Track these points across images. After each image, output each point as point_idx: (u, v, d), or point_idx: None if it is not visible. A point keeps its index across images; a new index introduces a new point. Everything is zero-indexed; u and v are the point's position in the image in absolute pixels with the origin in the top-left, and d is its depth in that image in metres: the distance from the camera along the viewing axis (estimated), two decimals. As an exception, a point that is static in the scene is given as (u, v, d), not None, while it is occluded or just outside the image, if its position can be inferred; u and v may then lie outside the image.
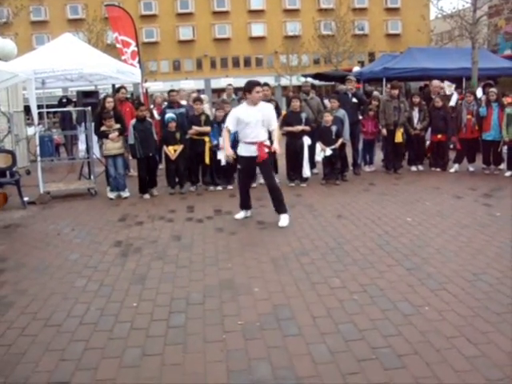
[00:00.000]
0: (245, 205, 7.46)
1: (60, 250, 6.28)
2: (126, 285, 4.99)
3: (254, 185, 9.70)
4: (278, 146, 7.12)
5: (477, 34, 15.57)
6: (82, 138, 12.23)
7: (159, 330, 4.01)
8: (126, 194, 9.35)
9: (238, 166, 7.38)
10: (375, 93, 14.23)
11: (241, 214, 7.45)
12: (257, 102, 6.98)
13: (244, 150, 7.09)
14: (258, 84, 7.02)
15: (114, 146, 9.24)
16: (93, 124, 9.62)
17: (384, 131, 10.71)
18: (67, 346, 3.78)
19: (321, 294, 4.57)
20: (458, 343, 3.66)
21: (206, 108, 11.35)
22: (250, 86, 6.92)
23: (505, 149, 10.38)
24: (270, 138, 7.21)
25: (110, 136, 9.16)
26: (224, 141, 7.31)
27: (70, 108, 14.74)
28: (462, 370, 3.31)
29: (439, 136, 10.89)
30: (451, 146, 11.46)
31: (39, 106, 11.02)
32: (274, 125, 7.20)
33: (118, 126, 9.31)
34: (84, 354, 3.68)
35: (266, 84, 10.22)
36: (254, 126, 6.95)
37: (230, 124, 7.07)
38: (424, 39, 35.77)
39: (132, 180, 10.23)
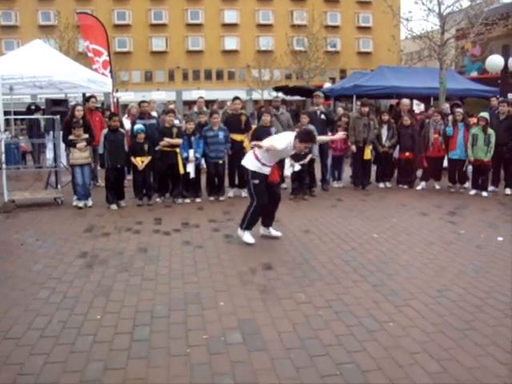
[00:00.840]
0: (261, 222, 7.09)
1: (23, 260, 6.15)
2: (90, 297, 4.91)
3: (221, 198, 9.72)
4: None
5: (444, 56, 15.92)
6: (49, 146, 12.08)
7: (123, 343, 3.96)
8: (89, 202, 9.30)
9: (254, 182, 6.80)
10: (339, 109, 14.37)
11: (250, 238, 6.80)
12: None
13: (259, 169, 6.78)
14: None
15: (81, 155, 9.16)
16: (61, 133, 9.50)
17: (353, 148, 10.84)
18: (26, 360, 3.69)
19: (286, 309, 4.57)
20: (421, 359, 3.70)
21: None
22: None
23: (470, 168, 10.61)
24: None
25: (78, 145, 9.08)
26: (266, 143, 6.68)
27: (38, 115, 14.54)
28: (424, 387, 3.35)
29: (407, 154, 11.07)
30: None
31: (6, 113, 10.84)
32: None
33: (86, 135, 9.23)
34: (44, 367, 3.60)
35: (236, 98, 10.29)
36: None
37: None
38: (394, 58, 36.34)
39: (100, 190, 10.11)
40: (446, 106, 13.43)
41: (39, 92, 14.13)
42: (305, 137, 6.63)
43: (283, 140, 6.65)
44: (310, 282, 5.31)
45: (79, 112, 9.31)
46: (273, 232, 7.10)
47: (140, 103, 10.89)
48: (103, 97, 17.77)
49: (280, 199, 7.15)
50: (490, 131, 10.03)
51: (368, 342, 3.96)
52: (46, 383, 3.40)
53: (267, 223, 7.11)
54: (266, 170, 6.77)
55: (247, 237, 6.78)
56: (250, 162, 6.83)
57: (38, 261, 6.09)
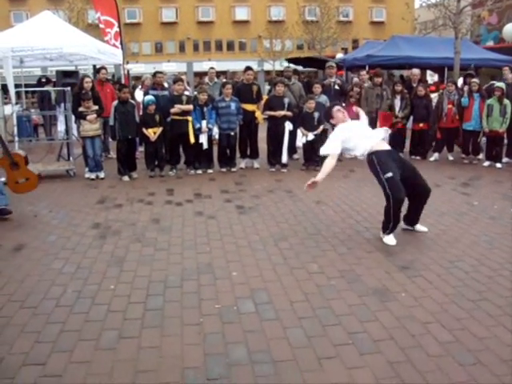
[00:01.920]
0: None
1: (37, 231, 6.20)
2: (104, 267, 4.95)
3: (233, 169, 9.71)
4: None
5: (460, 25, 15.63)
6: (61, 118, 12.09)
7: (136, 312, 4.00)
8: (101, 174, 9.33)
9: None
10: (355, 79, 14.17)
11: (392, 240, 5.62)
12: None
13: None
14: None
15: (91, 127, 9.15)
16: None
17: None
18: (43, 329, 3.75)
19: (299, 279, 4.59)
20: (433, 329, 3.70)
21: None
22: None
23: (484, 139, 10.48)
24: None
25: (88, 118, 9.07)
26: (324, 171, 5.87)
27: (49, 88, 14.52)
28: (436, 355, 3.36)
29: (421, 125, 10.95)
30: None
31: (17, 85, 10.85)
32: None
33: (96, 107, 9.22)
34: (60, 336, 3.65)
35: (249, 68, 10.19)
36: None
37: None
38: (408, 28, 35.78)
39: (111, 162, 10.13)
40: (460, 80, 13.23)
41: (49, 64, 14.12)
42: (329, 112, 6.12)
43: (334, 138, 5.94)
44: (322, 252, 5.31)
45: (88, 84, 9.28)
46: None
47: (155, 74, 10.81)
48: (113, 69, 17.69)
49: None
50: (506, 101, 9.86)
51: (380, 311, 3.97)
52: (63, 350, 3.45)
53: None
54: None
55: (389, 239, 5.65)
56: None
57: (52, 232, 6.14)
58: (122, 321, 3.86)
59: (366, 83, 11.87)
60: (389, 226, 5.60)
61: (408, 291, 4.34)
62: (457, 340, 3.55)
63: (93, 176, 9.22)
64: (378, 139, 5.75)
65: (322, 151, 5.94)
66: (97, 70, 12.03)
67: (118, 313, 3.99)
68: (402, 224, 5.96)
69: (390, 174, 5.46)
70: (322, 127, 9.76)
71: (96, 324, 3.81)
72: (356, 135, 5.76)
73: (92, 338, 3.62)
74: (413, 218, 5.99)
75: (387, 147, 5.76)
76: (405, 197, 5.56)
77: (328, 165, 5.78)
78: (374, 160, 5.61)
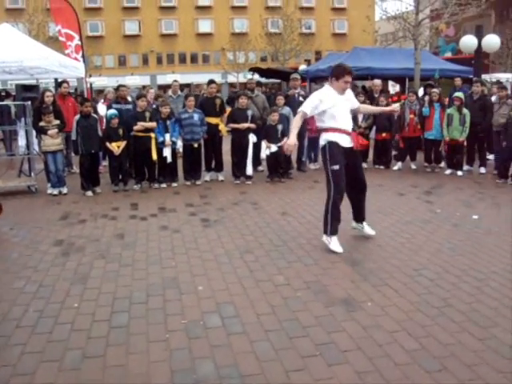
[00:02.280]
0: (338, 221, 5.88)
1: (-3, 249, 6.04)
2: (67, 285, 4.85)
3: (198, 182, 9.67)
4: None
5: (419, 36, 15.97)
6: (21, 133, 11.82)
7: (101, 330, 3.92)
8: (64, 190, 9.18)
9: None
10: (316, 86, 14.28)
11: (337, 246, 5.74)
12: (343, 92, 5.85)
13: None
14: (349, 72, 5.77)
15: (52, 142, 9.02)
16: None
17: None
18: (2, 351, 3.63)
19: (265, 292, 4.57)
20: (400, 337, 3.73)
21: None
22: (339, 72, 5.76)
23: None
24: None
25: (49, 132, 8.95)
26: (293, 126, 5.87)
27: (8, 102, 14.22)
28: (403, 363, 3.38)
29: (383, 134, 11.12)
30: (394, 145, 11.74)
31: (-25, 100, 10.59)
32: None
33: (57, 121, 9.10)
34: (21, 358, 3.54)
35: (212, 81, 10.20)
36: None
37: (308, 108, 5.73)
38: (369, 39, 36.44)
39: (74, 177, 9.97)
40: (420, 90, 13.50)
41: (9, 78, 13.80)
42: (337, 70, 5.79)
43: (312, 97, 5.84)
44: (288, 263, 5.32)
45: (49, 98, 9.19)
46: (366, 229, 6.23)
47: (118, 87, 10.71)
48: (76, 82, 17.48)
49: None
50: (465, 111, 10.10)
51: (347, 322, 3.98)
52: (24, 373, 3.35)
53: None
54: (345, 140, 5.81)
55: (334, 244, 5.75)
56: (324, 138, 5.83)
57: (13, 250, 5.99)
58: (87, 340, 3.78)
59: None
60: (327, 221, 5.75)
61: (374, 300, 4.37)
62: (423, 347, 3.59)
63: (55, 192, 9.05)
64: (346, 126, 5.82)
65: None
66: (58, 84, 11.86)
67: (81, 332, 3.90)
68: (352, 224, 6.23)
69: (336, 167, 5.66)
70: (285, 139, 9.79)
71: (59, 344, 3.72)
72: (340, 108, 5.77)
73: (55, 358, 3.52)
74: (357, 214, 6.23)
75: (342, 139, 5.79)
76: (344, 190, 5.82)
77: (295, 121, 5.89)
78: (327, 149, 5.76)
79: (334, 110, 5.72)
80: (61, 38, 14.61)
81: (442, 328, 3.86)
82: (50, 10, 16.83)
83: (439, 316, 4.06)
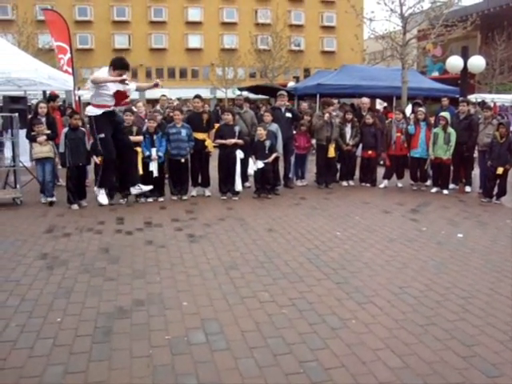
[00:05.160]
0: None
1: (-20, 262, 5.97)
2: (50, 299, 4.80)
3: (184, 197, 9.64)
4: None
5: (406, 56, 16.19)
6: (7, 144, 11.75)
7: (84, 345, 3.88)
8: (52, 199, 9.21)
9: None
10: (304, 104, 14.28)
11: (104, 199, 7.93)
12: None
13: None
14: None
15: (41, 149, 9.15)
16: (20, 131, 9.40)
17: (313, 142, 10.89)
18: (-18, 365, 3.59)
19: (250, 308, 4.56)
20: (384, 355, 3.74)
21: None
22: None
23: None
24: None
25: (38, 139, 9.09)
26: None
27: (-6, 113, 14.14)
28: (387, 381, 3.39)
29: (369, 152, 11.20)
30: (381, 162, 11.83)
31: (-39, 111, 10.53)
32: None
33: (48, 131, 9.27)
34: (0, 373, 3.49)
35: (197, 96, 10.22)
36: None
37: None
38: (357, 58, 36.80)
39: (61, 190, 9.90)
40: (408, 108, 13.66)
41: (-4, 89, 13.76)
42: (118, 62, 7.43)
43: (100, 72, 7.57)
44: (273, 280, 5.31)
45: (42, 109, 9.52)
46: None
47: None
48: (65, 94, 17.43)
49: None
50: (450, 130, 10.22)
51: (331, 339, 3.98)
52: (3, 389, 3.30)
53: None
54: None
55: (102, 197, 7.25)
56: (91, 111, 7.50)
57: (-4, 262, 5.92)
58: (69, 355, 3.74)
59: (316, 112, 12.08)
60: (97, 178, 7.34)
61: (358, 318, 4.38)
62: (406, 365, 3.60)
63: (43, 200, 9.21)
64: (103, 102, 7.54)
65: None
66: (52, 98, 11.89)
67: (64, 347, 3.86)
68: None
69: (102, 135, 6.95)
70: (274, 155, 9.85)
71: (40, 359, 3.67)
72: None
73: (35, 374, 3.48)
74: (126, 180, 7.35)
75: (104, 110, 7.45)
76: (114, 156, 7.33)
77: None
78: (93, 121, 7.44)
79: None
80: (55, 51, 14.64)
81: (426, 346, 3.88)
82: (40, 22, 16.79)
83: (423, 334, 4.08)
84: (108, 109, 7.15)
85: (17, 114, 9.50)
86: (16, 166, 9.70)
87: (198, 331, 4.11)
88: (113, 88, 7.71)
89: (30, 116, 9.58)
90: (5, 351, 3.79)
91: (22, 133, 9.92)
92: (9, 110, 10.08)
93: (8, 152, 11.62)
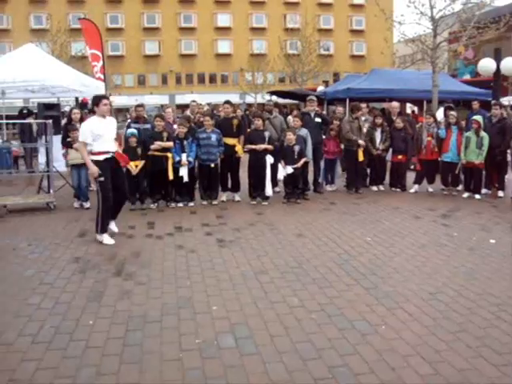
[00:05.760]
0: None
1: (15, 265, 6.12)
2: (83, 302, 4.90)
3: (214, 202, 9.70)
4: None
5: (437, 59, 15.99)
6: (42, 150, 12.04)
7: (115, 348, 3.95)
8: (87, 204, 9.43)
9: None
10: (340, 108, 14.19)
11: (109, 239, 7.20)
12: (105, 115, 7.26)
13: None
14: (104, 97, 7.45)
15: (77, 155, 9.19)
16: (53, 137, 9.60)
17: (362, 142, 10.79)
18: (18, 366, 3.68)
19: (279, 313, 4.58)
20: (413, 362, 3.71)
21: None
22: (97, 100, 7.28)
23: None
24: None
25: (74, 146, 9.18)
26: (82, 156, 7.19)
27: (30, 120, 14.49)
28: (416, 389, 3.36)
29: (399, 157, 11.11)
30: (411, 167, 11.71)
31: (-2, 117, 10.82)
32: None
33: None
34: (36, 373, 3.58)
35: (226, 102, 10.29)
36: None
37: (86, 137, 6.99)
38: (387, 61, 36.55)
39: (92, 195, 10.06)
40: (440, 111, 13.49)
41: (31, 96, 14.12)
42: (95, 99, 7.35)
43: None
44: (302, 285, 5.31)
45: (75, 115, 9.70)
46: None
47: (135, 107, 10.86)
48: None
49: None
50: (483, 134, 10.07)
51: (360, 345, 3.97)
52: (38, 389, 3.39)
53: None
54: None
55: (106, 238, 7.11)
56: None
57: (30, 266, 6.06)
58: (101, 357, 3.81)
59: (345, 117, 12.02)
60: (98, 223, 7.09)
61: (388, 324, 4.35)
62: (437, 372, 3.56)
63: (77, 205, 9.48)
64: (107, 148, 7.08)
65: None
66: (84, 104, 12.18)
67: (96, 349, 3.94)
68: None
69: (102, 178, 6.92)
70: (303, 160, 9.85)
71: (74, 360, 3.75)
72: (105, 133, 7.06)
73: (69, 375, 3.56)
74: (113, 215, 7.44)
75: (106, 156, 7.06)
76: (111, 197, 7.08)
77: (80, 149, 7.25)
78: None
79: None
80: (90, 59, 14.95)
81: (457, 353, 3.83)
82: (72, 30, 17.14)
83: (454, 341, 4.03)
84: (107, 155, 7.08)
85: (51, 121, 9.73)
86: (50, 171, 9.92)
87: (228, 335, 4.14)
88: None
89: (63, 122, 9.73)
90: (40, 351, 3.89)
91: (56, 139, 10.15)
92: (43, 117, 10.34)
93: (42, 158, 11.91)
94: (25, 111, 16.17)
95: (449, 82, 18.71)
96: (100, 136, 6.98)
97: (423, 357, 3.78)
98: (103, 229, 7.12)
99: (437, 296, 5.00)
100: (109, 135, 7.15)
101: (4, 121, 12.69)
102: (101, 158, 7.00)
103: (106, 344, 4.02)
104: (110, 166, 7.04)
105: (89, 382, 3.48)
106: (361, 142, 10.70)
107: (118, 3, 52.53)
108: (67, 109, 16.82)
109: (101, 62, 14.42)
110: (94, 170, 6.90)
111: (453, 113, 10.98)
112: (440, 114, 13.19)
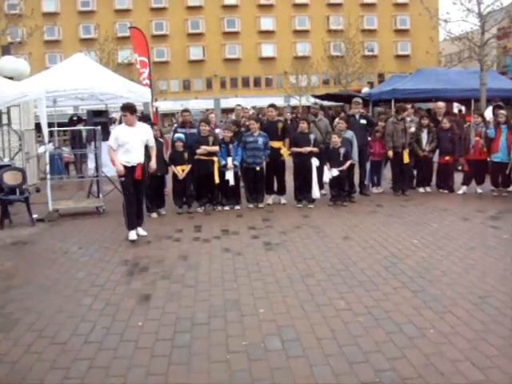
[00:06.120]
0: None
1: (67, 267, 6.32)
2: (132, 304, 5.01)
3: (261, 205, 9.75)
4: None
5: (485, 56, 15.61)
6: (91, 156, 12.36)
7: (164, 349, 4.03)
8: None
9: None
10: (379, 109, 14.03)
11: (133, 235, 7.72)
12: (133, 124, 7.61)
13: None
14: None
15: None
16: (102, 143, 9.81)
17: (390, 153, 10.65)
18: (72, 365, 3.81)
19: (326, 316, 4.57)
20: (463, 367, 3.64)
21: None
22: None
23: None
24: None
25: None
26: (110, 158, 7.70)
27: (80, 127, 14.90)
28: (466, 395, 3.30)
29: (446, 158, 10.90)
30: (459, 168, 11.46)
31: (50, 124, 11.14)
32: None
33: None
34: (88, 372, 3.70)
35: (271, 105, 10.35)
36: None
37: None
38: (433, 60, 35.94)
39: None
40: (488, 110, 13.17)
41: (81, 103, 14.50)
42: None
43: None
44: (349, 288, 5.29)
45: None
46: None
47: (182, 112, 11.02)
48: (142, 106, 18.10)
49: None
50: (535, 133, 9.78)
51: (408, 348, 3.92)
52: (91, 388, 3.49)
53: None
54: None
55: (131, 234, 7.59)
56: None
57: (81, 268, 6.25)
58: (150, 357, 3.90)
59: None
60: (125, 220, 7.67)
61: (436, 328, 4.29)
62: (488, 379, 3.49)
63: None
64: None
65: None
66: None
67: (145, 349, 4.03)
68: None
69: (123, 178, 7.52)
70: (348, 163, 9.79)
71: (124, 361, 3.86)
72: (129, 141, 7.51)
73: (120, 374, 3.66)
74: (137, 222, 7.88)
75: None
76: (133, 198, 7.63)
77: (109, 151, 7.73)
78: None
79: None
80: (137, 66, 15.22)
81: (509, 359, 3.74)
82: (119, 38, 17.53)
83: (505, 346, 3.94)
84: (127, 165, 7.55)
85: (99, 127, 9.99)
86: (99, 176, 10.18)
87: (275, 338, 4.17)
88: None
89: (111, 128, 9.95)
90: (92, 351, 4.01)
91: (104, 145, 10.41)
92: (92, 124, 10.62)
93: (91, 163, 12.23)
94: (75, 118, 16.63)
95: (498, 79, 18.24)
96: (123, 144, 7.48)
97: (473, 362, 3.70)
98: (129, 225, 7.64)
99: (486, 300, 4.88)
100: (134, 143, 7.53)
101: (56, 128, 13.07)
102: (123, 163, 7.55)
103: (154, 345, 4.11)
104: (130, 173, 7.55)
105: (139, 381, 3.56)
106: (389, 152, 10.58)
107: (163, 10, 53.46)
108: (115, 115, 17.23)
109: (148, 69, 14.69)
110: (120, 168, 7.47)
111: (502, 111, 10.68)
112: (489, 113, 12.87)
